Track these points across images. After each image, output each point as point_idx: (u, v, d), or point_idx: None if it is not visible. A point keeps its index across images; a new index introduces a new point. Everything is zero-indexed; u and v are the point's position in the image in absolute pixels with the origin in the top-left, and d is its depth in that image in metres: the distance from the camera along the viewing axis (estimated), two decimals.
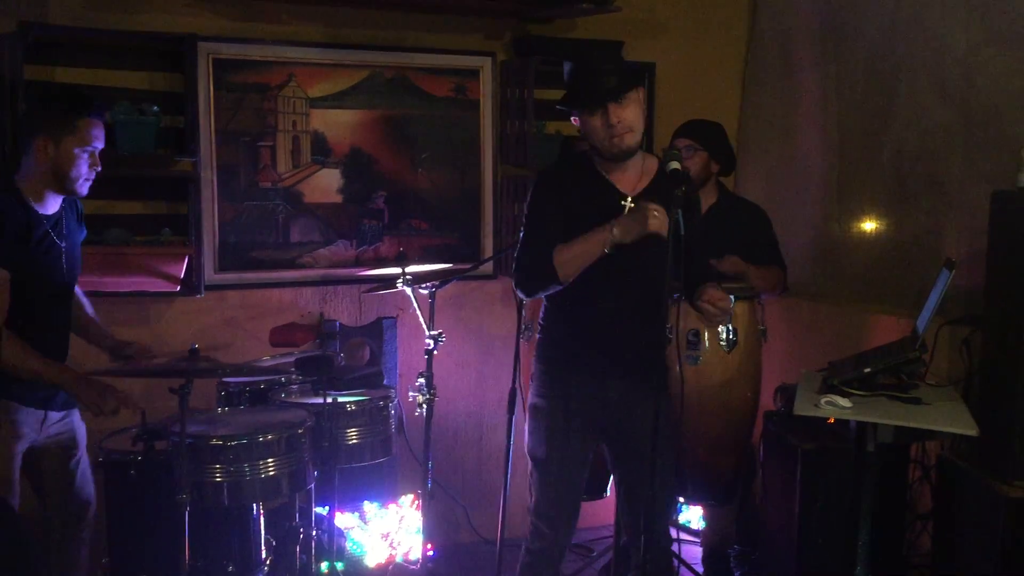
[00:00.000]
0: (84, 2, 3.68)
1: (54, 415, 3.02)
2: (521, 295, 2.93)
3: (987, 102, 3.47)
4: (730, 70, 4.73)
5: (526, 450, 3.00)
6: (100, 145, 2.99)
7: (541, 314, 2.98)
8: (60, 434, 3.06)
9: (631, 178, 2.82)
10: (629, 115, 2.72)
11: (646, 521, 2.77)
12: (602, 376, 2.84)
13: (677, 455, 3.67)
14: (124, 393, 2.90)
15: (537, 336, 2.98)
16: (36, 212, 2.94)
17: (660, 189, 2.77)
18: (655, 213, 2.61)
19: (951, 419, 2.74)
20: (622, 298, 2.78)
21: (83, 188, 3.00)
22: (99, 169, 3.01)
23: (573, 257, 2.73)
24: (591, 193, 2.81)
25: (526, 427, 3.03)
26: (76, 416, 3.14)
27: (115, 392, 2.88)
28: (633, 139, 2.75)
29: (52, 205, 3.00)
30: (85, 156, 2.94)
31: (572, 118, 2.82)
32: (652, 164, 2.88)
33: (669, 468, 2.90)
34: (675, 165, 2.63)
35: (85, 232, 3.24)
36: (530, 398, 2.97)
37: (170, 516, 2.72)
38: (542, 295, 2.88)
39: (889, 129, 3.91)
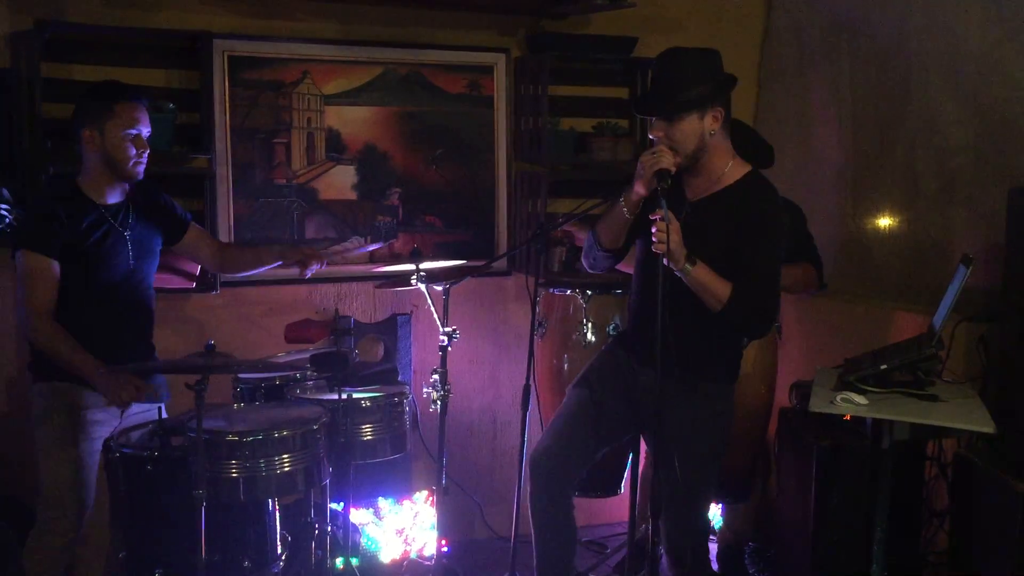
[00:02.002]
0: (101, 0, 3.70)
1: (136, 406, 3.08)
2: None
3: (1002, 98, 3.45)
4: (745, 67, 4.70)
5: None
6: (145, 129, 3.09)
7: None
8: (142, 424, 3.11)
9: (700, 184, 2.80)
10: (676, 134, 2.71)
11: (665, 509, 2.79)
12: (637, 361, 2.92)
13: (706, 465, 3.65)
14: (140, 382, 2.95)
15: None
16: (92, 203, 3.07)
17: (725, 200, 2.77)
18: (647, 159, 2.69)
19: (968, 416, 2.73)
20: (670, 300, 2.67)
21: (137, 171, 3.10)
22: (147, 151, 3.10)
23: (603, 221, 2.93)
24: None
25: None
26: (162, 408, 3.17)
27: (134, 382, 2.93)
28: (671, 156, 2.70)
29: (114, 196, 3.12)
30: (131, 139, 3.04)
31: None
32: (737, 171, 2.81)
33: (703, 460, 2.87)
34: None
35: (182, 215, 3.33)
36: None
37: (186, 511, 2.73)
38: (598, 265, 3.03)
39: (903, 126, 3.89)
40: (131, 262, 3.13)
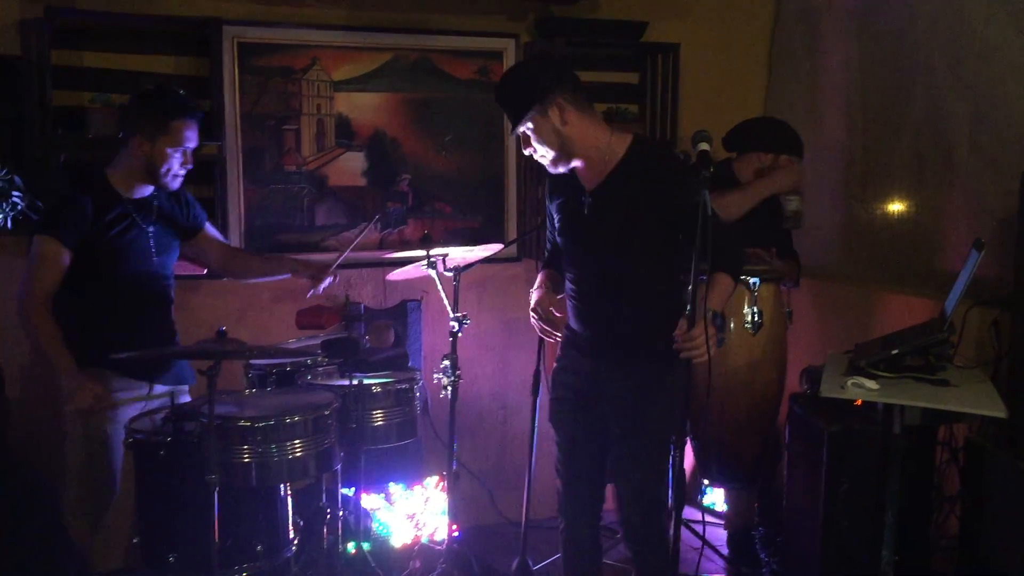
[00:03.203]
0: None
1: (160, 388, 3.18)
2: None
3: (1000, 83, 3.43)
4: (755, 50, 4.69)
5: None
6: (192, 145, 3.14)
7: None
8: (165, 407, 3.15)
9: (593, 170, 2.80)
10: (537, 141, 2.75)
11: (625, 499, 2.88)
12: (587, 354, 2.90)
13: (702, 438, 3.68)
14: (100, 391, 3.00)
15: None
16: (119, 196, 3.11)
17: (624, 175, 2.76)
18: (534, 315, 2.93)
19: (979, 401, 2.72)
20: (601, 290, 2.84)
21: (173, 183, 3.16)
22: (190, 167, 3.16)
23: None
24: (565, 190, 2.88)
25: None
26: (184, 391, 3.28)
27: (95, 389, 2.98)
28: (549, 162, 2.78)
29: (141, 191, 3.17)
30: (178, 155, 3.10)
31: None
32: (620, 144, 2.78)
33: (659, 435, 2.86)
34: (704, 147, 2.61)
35: (198, 214, 3.39)
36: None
37: (199, 496, 2.74)
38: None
39: (909, 110, 3.88)
40: (153, 257, 3.20)
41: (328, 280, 3.47)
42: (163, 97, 3.18)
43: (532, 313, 2.98)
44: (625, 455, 2.86)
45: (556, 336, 2.96)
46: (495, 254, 3.71)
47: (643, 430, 2.83)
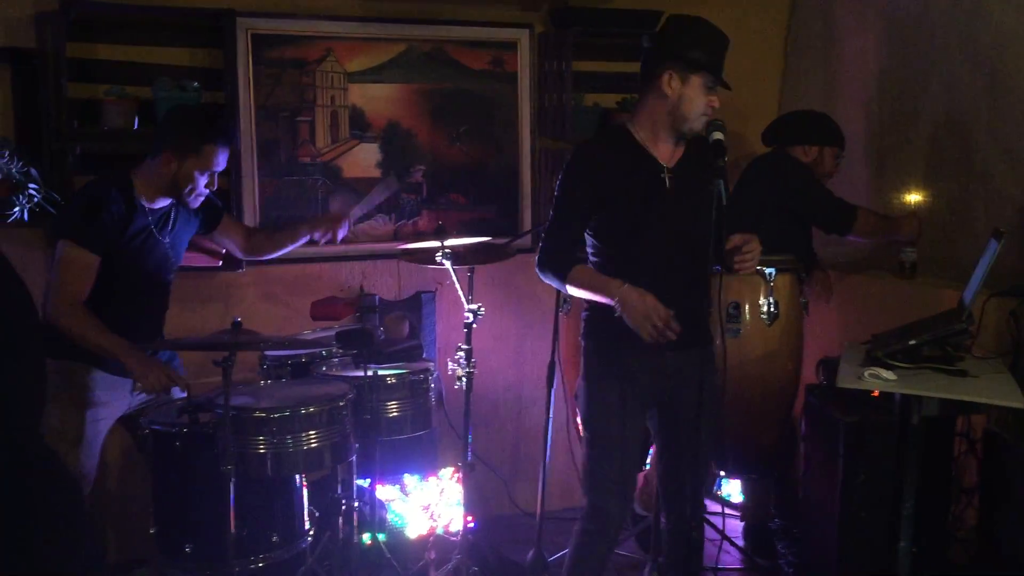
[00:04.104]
0: None
1: None
2: (538, 272, 2.89)
3: (1017, 70, 3.39)
4: (772, 37, 4.66)
5: (581, 428, 2.99)
6: (221, 167, 3.14)
7: None
8: (149, 403, 3.18)
9: (668, 149, 2.83)
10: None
11: (691, 490, 2.82)
12: (660, 349, 2.75)
13: (717, 428, 3.67)
14: (175, 372, 3.03)
15: (584, 313, 2.93)
16: (141, 205, 3.11)
17: (693, 160, 2.82)
18: (649, 324, 2.64)
19: (998, 391, 2.70)
20: (672, 270, 2.79)
21: (194, 202, 3.16)
22: (215, 188, 3.17)
23: (582, 288, 2.80)
24: (630, 165, 2.81)
25: (579, 406, 2.97)
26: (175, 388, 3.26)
27: (165, 370, 3.00)
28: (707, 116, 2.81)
29: (161, 202, 3.16)
30: (204, 177, 3.10)
31: (666, 74, 2.73)
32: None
33: (712, 437, 2.89)
34: (718, 136, 2.61)
35: (219, 205, 3.40)
36: (583, 378, 2.91)
37: (215, 487, 2.76)
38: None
39: (925, 98, 3.84)
40: (163, 268, 3.21)
41: (346, 225, 3.47)
42: (201, 119, 3.16)
43: (651, 322, 2.65)
44: (696, 440, 2.80)
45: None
46: (509, 245, 3.71)
47: (708, 411, 2.79)
